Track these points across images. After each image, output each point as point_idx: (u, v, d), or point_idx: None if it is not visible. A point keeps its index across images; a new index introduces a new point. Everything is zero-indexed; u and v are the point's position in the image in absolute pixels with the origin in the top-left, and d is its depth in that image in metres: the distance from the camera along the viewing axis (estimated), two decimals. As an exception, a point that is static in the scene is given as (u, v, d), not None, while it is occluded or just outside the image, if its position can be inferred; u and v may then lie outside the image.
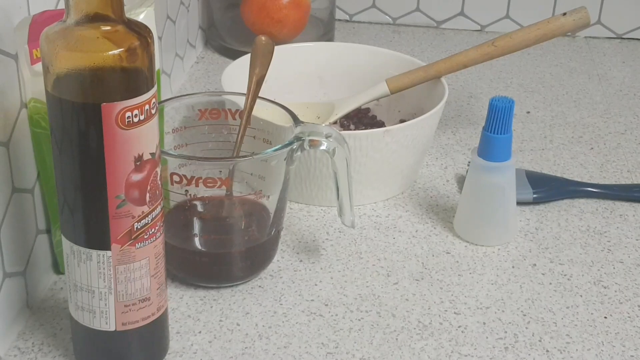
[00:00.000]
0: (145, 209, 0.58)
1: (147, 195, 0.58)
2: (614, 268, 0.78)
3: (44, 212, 0.71)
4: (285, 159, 0.71)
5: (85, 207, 0.57)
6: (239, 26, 1.18)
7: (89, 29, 0.54)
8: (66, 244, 0.60)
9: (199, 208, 0.73)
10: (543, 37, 0.90)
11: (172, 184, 0.69)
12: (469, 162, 0.81)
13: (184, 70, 1.12)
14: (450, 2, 1.30)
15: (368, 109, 0.98)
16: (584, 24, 0.89)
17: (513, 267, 0.78)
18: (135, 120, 0.55)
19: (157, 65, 0.66)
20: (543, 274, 0.77)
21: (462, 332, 0.70)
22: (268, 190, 0.72)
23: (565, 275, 0.77)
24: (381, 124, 0.97)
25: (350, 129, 0.96)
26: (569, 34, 0.92)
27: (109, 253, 0.58)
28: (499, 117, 0.76)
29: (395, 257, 0.78)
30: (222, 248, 0.74)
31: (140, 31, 0.55)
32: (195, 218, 0.74)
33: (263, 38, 0.80)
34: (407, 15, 1.32)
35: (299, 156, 0.72)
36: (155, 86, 0.57)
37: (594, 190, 0.88)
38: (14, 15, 0.64)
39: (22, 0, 0.65)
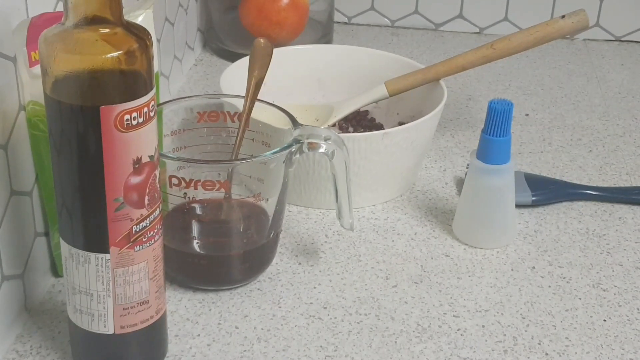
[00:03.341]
0: (144, 211, 0.58)
1: (146, 198, 0.58)
2: (613, 271, 0.78)
3: (42, 215, 0.70)
4: (284, 162, 0.71)
5: (83, 210, 0.57)
6: (238, 28, 1.18)
7: (88, 31, 0.54)
8: (64, 247, 0.59)
9: (198, 211, 0.73)
10: (542, 39, 0.90)
11: (170, 187, 0.69)
12: (468, 165, 0.81)
13: (183, 73, 1.12)
14: (448, 5, 1.30)
15: (367, 112, 0.98)
16: (582, 26, 0.89)
17: (512, 269, 0.78)
18: (134, 122, 0.55)
19: (156, 68, 0.66)
20: (542, 277, 0.77)
21: (461, 335, 0.70)
22: (267, 192, 0.72)
23: (564, 278, 0.77)
24: (380, 127, 0.97)
25: (349, 132, 0.96)
26: (568, 36, 0.92)
27: (107, 256, 0.58)
28: (497, 120, 0.76)
29: (394, 260, 0.78)
30: (220, 251, 0.74)
31: (138, 34, 0.55)
32: (193, 221, 0.74)
33: (262, 40, 0.80)
34: (405, 17, 1.32)
35: (298, 159, 0.72)
36: (154, 89, 0.57)
37: (593, 192, 0.88)
38: (12, 18, 0.64)
39: (20, 3, 0.65)
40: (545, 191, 0.88)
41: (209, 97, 0.81)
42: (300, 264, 0.78)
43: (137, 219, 0.58)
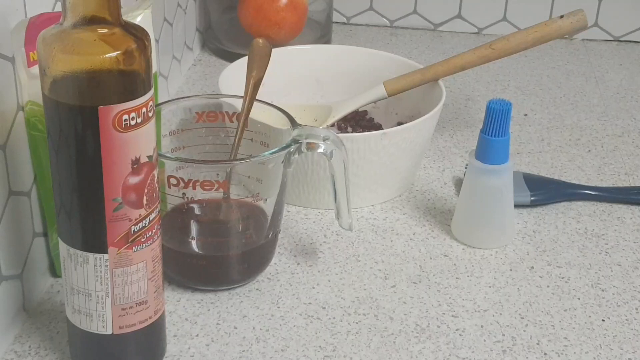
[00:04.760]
0: (143, 212, 0.58)
1: (144, 198, 0.58)
2: (611, 271, 0.78)
3: (40, 215, 0.70)
4: (282, 162, 0.71)
5: (82, 210, 0.57)
6: (236, 28, 1.18)
7: (86, 31, 0.54)
8: (63, 247, 0.59)
9: (196, 211, 0.73)
10: (540, 39, 0.90)
11: (169, 187, 0.69)
12: (467, 165, 0.81)
13: (181, 73, 1.12)
14: (447, 5, 1.30)
15: (365, 112, 0.98)
16: (581, 26, 0.89)
17: (511, 269, 0.78)
18: (132, 123, 0.55)
19: (154, 68, 0.66)
20: (541, 277, 0.77)
21: (459, 335, 0.70)
22: (265, 193, 0.72)
23: (562, 278, 0.77)
24: (378, 127, 0.97)
25: (348, 132, 0.96)
26: (567, 36, 0.92)
27: (106, 256, 0.58)
28: (496, 120, 0.76)
29: (392, 260, 0.78)
30: (219, 251, 0.74)
31: (137, 34, 0.55)
32: (192, 221, 0.74)
33: (260, 40, 0.80)
34: (404, 17, 1.32)
35: (297, 159, 0.72)
36: (153, 89, 0.57)
37: (592, 192, 0.88)
38: (10, 18, 0.64)
39: (19, 3, 0.65)
40: (543, 191, 0.88)
41: (207, 97, 0.81)
42: (299, 264, 0.78)
43: (135, 219, 0.58)
